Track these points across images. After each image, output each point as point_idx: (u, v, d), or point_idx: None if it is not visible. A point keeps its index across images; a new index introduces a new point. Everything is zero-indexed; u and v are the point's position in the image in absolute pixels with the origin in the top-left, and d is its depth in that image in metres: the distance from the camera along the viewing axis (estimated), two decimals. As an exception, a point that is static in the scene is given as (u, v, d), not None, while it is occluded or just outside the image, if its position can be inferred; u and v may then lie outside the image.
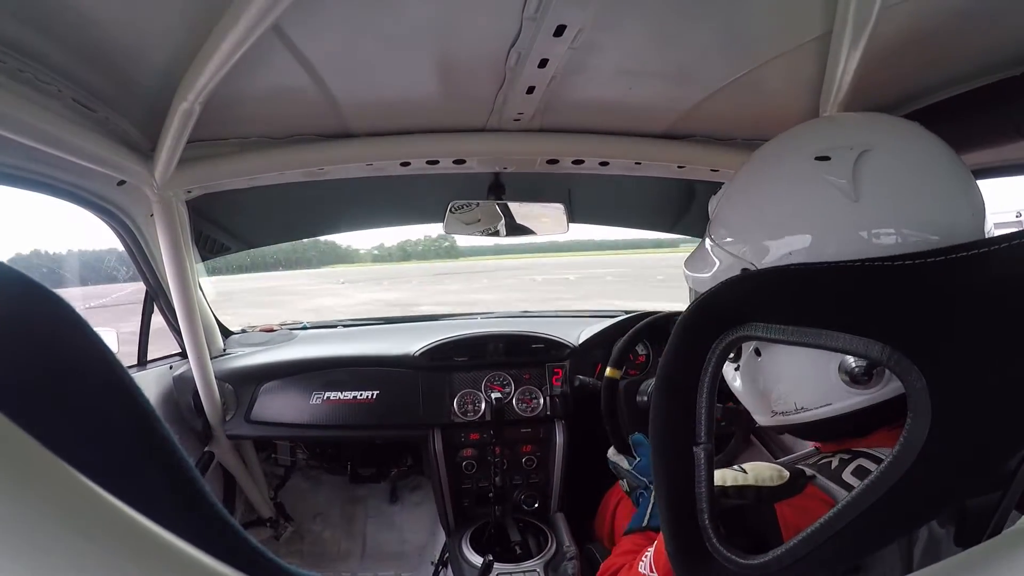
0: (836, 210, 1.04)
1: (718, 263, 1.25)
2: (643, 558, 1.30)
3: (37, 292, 0.48)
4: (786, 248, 1.09)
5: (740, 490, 1.10)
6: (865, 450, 1.10)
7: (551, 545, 2.64)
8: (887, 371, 0.98)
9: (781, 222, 1.12)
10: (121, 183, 2.22)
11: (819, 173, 1.06)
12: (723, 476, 1.13)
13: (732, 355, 1.23)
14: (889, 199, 1.03)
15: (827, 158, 1.07)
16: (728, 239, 1.24)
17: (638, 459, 2.03)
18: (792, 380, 1.15)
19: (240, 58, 1.45)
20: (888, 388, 1.03)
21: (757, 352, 1.19)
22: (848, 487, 1.03)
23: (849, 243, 1.02)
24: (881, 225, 1.02)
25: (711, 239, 1.29)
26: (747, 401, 1.30)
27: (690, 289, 1.44)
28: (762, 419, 1.28)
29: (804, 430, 1.22)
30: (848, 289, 0.90)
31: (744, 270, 1.14)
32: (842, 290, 0.90)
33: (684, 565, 0.99)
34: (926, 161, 1.08)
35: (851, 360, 1.03)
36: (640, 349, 3.07)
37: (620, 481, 2.10)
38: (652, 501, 1.82)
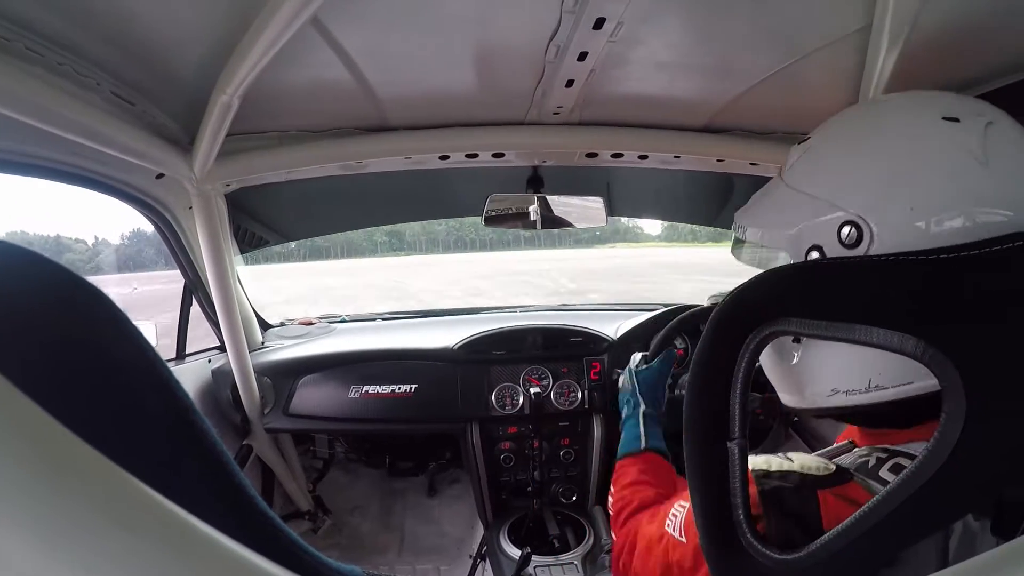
0: (963, 171, 0.99)
1: (813, 216, 1.14)
2: (671, 516, 1.28)
3: (77, 285, 0.49)
4: (907, 203, 1.02)
5: (784, 475, 1.09)
6: (902, 449, 1.09)
7: (589, 538, 2.66)
8: None
9: (903, 176, 1.04)
10: (160, 176, 2.24)
11: (948, 133, 1.02)
12: (768, 461, 1.13)
13: None
14: (1012, 172, 0.99)
15: (956, 119, 1.03)
16: (829, 190, 1.13)
17: (647, 367, 2.05)
18: (876, 353, 1.00)
19: (279, 51, 1.46)
20: None
21: None
22: (884, 483, 1.00)
23: (971, 208, 0.98)
24: (1003, 194, 0.98)
25: (801, 191, 1.19)
26: (802, 379, 1.21)
27: (750, 247, 1.38)
28: (813, 400, 1.19)
29: (858, 413, 1.19)
30: (882, 284, 0.89)
31: (849, 223, 1.06)
32: (876, 285, 0.90)
33: (717, 559, 1.00)
34: None
35: None
36: (679, 343, 3.05)
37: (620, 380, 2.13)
38: (642, 419, 1.85)
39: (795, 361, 1.20)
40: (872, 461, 1.09)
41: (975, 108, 1.06)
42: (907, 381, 1.03)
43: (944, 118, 1.03)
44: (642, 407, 1.90)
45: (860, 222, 1.05)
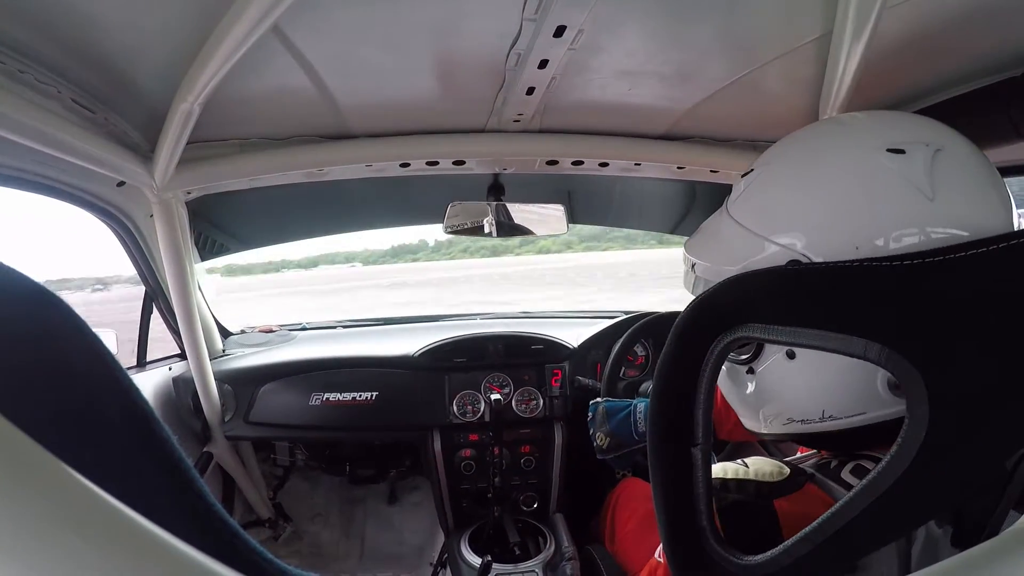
0: (909, 207, 0.98)
1: (757, 254, 1.14)
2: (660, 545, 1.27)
3: (34, 292, 0.48)
4: (852, 242, 1.01)
5: (740, 484, 1.10)
6: (864, 452, 1.10)
7: (550, 546, 2.65)
8: None
9: (848, 214, 1.03)
10: (121, 184, 2.23)
11: (893, 166, 1.01)
12: (724, 468, 1.14)
13: (745, 357, 1.19)
14: (960, 202, 0.99)
15: (901, 151, 1.01)
16: (774, 228, 1.13)
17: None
18: (826, 386, 1.09)
19: (240, 59, 1.45)
20: None
21: (790, 355, 1.12)
22: (846, 485, 1.04)
23: (917, 242, 0.97)
24: (949, 226, 0.97)
25: (745, 227, 1.18)
26: (758, 407, 1.23)
27: (697, 278, 1.32)
28: (770, 427, 1.21)
29: (817, 439, 1.21)
30: (846, 290, 0.88)
31: (793, 262, 1.06)
32: (840, 291, 0.88)
33: (681, 565, 0.99)
34: (985, 166, 1.04)
35: None
36: (639, 350, 3.08)
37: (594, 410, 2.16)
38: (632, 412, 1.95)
39: (749, 390, 1.22)
40: (834, 463, 1.10)
41: (923, 135, 1.04)
42: (859, 412, 1.05)
43: (889, 150, 1.02)
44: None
45: (805, 260, 1.06)
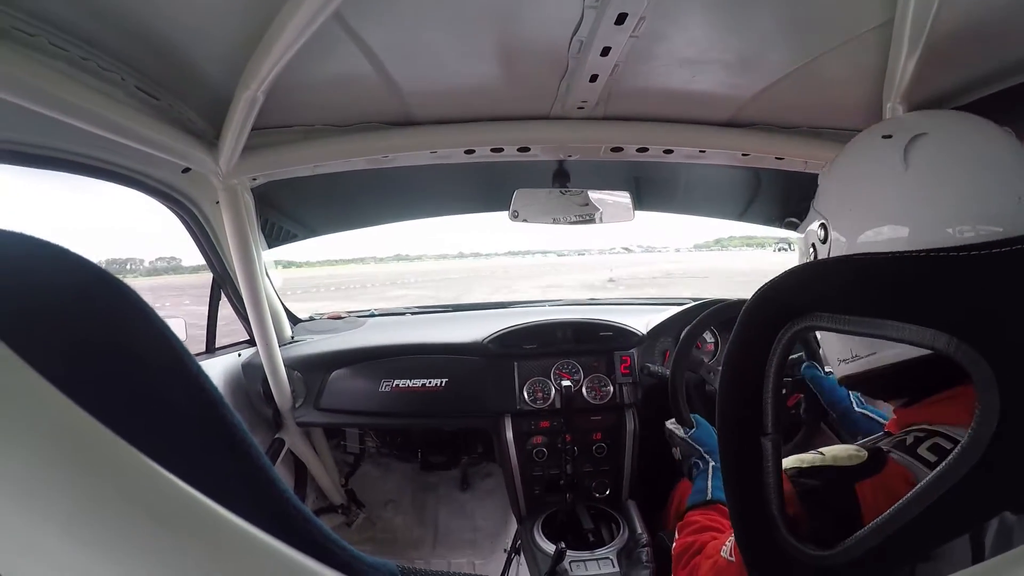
0: (888, 174, 1.12)
1: (810, 229, 1.33)
2: (727, 541, 1.29)
3: (103, 279, 0.49)
4: (850, 208, 1.22)
5: (818, 471, 1.10)
6: (939, 429, 1.08)
7: (623, 532, 2.64)
8: None
9: (847, 189, 1.24)
10: (186, 171, 2.27)
11: (880, 148, 1.15)
12: (800, 459, 1.14)
13: None
14: (931, 176, 1.08)
15: (890, 136, 1.15)
16: (818, 208, 1.32)
17: (695, 428, 2.06)
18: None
19: (302, 46, 1.47)
20: None
21: None
22: (925, 461, 1.03)
23: (901, 217, 1.09)
24: (924, 191, 1.07)
25: (815, 211, 1.35)
26: (826, 351, 1.40)
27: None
28: (836, 369, 1.34)
29: (868, 383, 1.25)
30: (912, 279, 0.87)
31: (821, 225, 1.27)
32: (906, 280, 0.88)
33: (753, 555, 1.01)
34: (983, 150, 1.09)
35: None
36: (708, 337, 3.06)
37: (673, 449, 2.12)
38: (711, 472, 1.86)
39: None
40: (910, 440, 1.10)
41: (916, 125, 1.16)
42: (872, 352, 1.17)
43: (883, 136, 1.17)
44: (711, 463, 1.93)
45: (826, 222, 1.27)
